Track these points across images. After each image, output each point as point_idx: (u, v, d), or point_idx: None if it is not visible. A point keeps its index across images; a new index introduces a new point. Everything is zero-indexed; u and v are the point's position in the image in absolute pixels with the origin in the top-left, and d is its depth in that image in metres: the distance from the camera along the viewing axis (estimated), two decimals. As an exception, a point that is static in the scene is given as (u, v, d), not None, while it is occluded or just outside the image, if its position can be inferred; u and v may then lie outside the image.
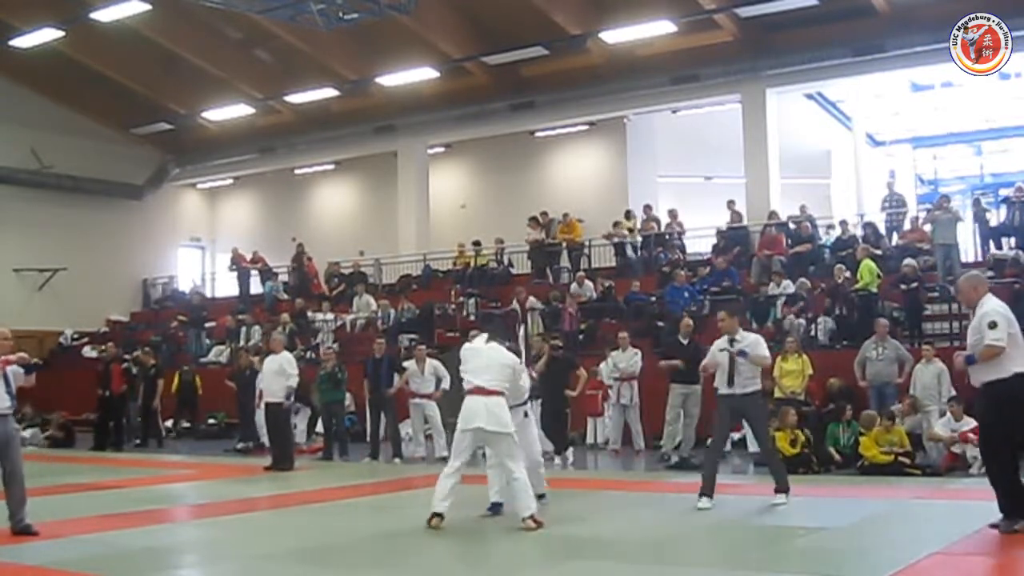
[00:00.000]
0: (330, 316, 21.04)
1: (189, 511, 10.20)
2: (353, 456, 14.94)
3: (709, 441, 9.90)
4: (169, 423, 19.67)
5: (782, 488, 9.15)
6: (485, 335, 8.72)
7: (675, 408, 13.10)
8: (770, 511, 8.82)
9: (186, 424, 19.88)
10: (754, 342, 9.30)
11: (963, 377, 7.97)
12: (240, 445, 16.74)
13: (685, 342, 13.16)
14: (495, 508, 8.73)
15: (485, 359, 8.32)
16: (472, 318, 19.56)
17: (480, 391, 8.10)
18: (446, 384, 14.62)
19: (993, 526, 7.22)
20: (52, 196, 25.36)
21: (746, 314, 16.52)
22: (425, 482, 11.05)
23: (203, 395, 19.70)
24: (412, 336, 18.32)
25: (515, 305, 18.26)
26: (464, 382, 8.31)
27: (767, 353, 9.53)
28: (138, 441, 18.02)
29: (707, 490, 9.01)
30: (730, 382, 9.09)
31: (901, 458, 11.38)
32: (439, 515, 8.12)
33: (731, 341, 9.19)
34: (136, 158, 27.43)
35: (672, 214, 20.86)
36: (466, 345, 8.77)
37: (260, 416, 15.03)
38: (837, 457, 12.10)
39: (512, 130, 23.63)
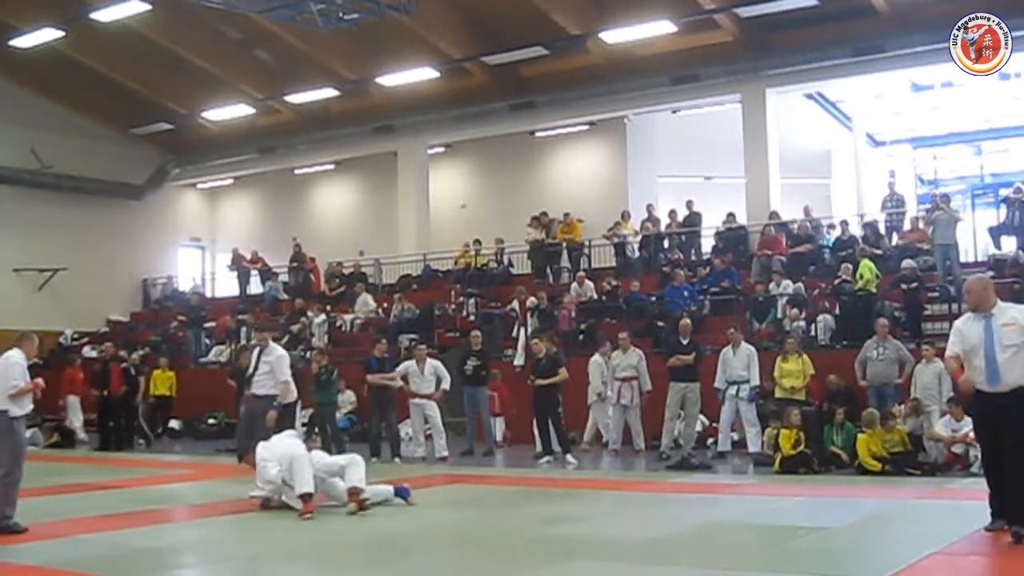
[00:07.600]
0: (321, 318, 20.98)
1: (189, 511, 10.19)
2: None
3: None
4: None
5: None
6: None
7: (673, 407, 13.18)
8: (770, 511, 8.80)
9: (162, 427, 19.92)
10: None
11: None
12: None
13: (685, 342, 13.30)
14: None
15: None
16: (472, 318, 19.57)
17: None
18: (446, 384, 14.61)
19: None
20: (52, 196, 25.31)
21: (746, 314, 16.58)
22: (425, 482, 11.05)
23: (203, 395, 19.69)
24: (412, 336, 18.31)
25: (514, 305, 18.25)
26: None
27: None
28: (142, 441, 18.00)
29: None
30: None
31: (899, 458, 11.37)
32: None
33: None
34: (136, 158, 27.40)
35: (672, 215, 20.88)
36: None
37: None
38: (843, 456, 12.09)
39: (512, 130, 23.60)
